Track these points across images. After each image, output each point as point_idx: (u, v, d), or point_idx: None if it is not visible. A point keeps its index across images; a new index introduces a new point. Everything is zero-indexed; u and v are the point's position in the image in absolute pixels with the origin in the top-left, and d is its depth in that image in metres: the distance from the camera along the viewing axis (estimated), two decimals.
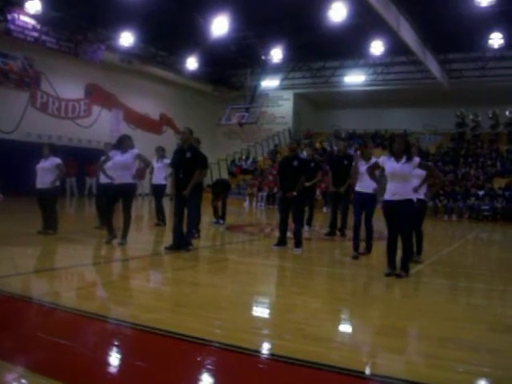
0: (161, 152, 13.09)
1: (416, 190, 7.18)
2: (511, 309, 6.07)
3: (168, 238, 9.34)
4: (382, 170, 7.32)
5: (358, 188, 8.98)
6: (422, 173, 7.51)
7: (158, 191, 13.04)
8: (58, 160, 10.07)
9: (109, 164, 9.51)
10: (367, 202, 8.87)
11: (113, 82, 27.88)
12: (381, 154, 10.16)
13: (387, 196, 7.11)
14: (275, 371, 3.63)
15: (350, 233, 11.72)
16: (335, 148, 28.07)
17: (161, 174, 12.83)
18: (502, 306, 6.17)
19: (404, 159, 6.99)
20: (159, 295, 5.93)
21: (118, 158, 9.12)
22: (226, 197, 13.69)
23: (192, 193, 8.74)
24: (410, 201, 7.00)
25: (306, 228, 12.66)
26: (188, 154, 8.87)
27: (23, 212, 15.66)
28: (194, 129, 9.37)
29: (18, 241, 9.23)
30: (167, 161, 12.38)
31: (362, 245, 9.10)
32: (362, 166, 8.67)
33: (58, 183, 10.11)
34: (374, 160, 8.19)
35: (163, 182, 12.87)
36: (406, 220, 7.05)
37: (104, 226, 9.92)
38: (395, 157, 7.05)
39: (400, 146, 7.03)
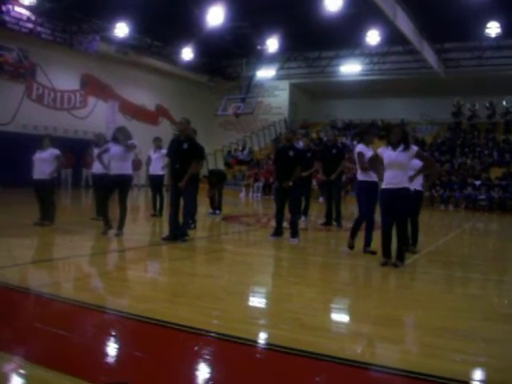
0: (158, 142, 13.07)
1: (411, 179, 7.17)
2: (507, 298, 6.09)
3: (164, 229, 9.33)
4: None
5: (363, 178, 8.25)
6: (419, 164, 7.50)
7: (155, 182, 13.02)
8: (57, 151, 10.07)
9: (106, 155, 9.54)
10: (371, 192, 8.21)
11: (108, 73, 27.78)
12: (377, 144, 9.99)
13: (384, 184, 7.13)
14: (272, 361, 3.64)
15: (346, 223, 11.78)
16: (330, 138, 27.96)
17: (158, 164, 12.84)
18: (498, 296, 6.19)
19: (401, 148, 6.98)
20: (156, 285, 5.92)
21: (114, 148, 9.14)
22: (222, 187, 13.70)
23: (188, 184, 8.72)
24: (406, 189, 7.00)
25: (302, 218, 12.67)
26: (185, 145, 8.83)
27: (20, 203, 15.65)
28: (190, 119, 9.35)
29: (15, 232, 9.23)
30: (164, 151, 12.38)
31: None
32: (368, 152, 8.15)
33: (56, 174, 10.12)
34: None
35: (161, 173, 12.86)
36: (402, 208, 7.05)
37: (100, 216, 9.92)
38: (392, 146, 7.05)
39: (397, 135, 7.02)
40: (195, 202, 9.88)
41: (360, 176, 8.31)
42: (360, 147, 8.43)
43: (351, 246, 8.30)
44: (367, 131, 9.10)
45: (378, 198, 7.76)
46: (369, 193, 8.16)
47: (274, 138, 31.99)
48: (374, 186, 8.16)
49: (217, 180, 13.36)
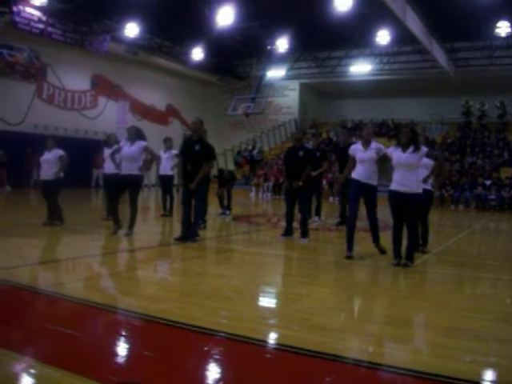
0: (168, 143, 13.08)
1: (425, 180, 7.14)
2: None
3: (174, 229, 9.34)
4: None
5: (354, 176, 7.75)
6: (428, 162, 7.46)
7: (165, 182, 13.05)
8: (60, 152, 10.14)
9: (117, 155, 9.59)
10: (368, 193, 7.82)
11: (118, 73, 27.88)
12: (386, 144, 9.91)
13: (393, 186, 7.07)
14: (281, 361, 3.64)
15: (358, 223, 11.72)
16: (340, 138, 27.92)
17: (168, 164, 12.84)
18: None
19: (411, 149, 6.94)
20: (166, 285, 5.94)
21: (125, 149, 9.18)
22: (231, 187, 13.71)
23: (199, 185, 8.73)
24: (417, 194, 6.96)
25: (315, 218, 12.68)
26: (197, 147, 8.80)
27: (29, 203, 15.74)
28: None
29: (25, 232, 9.28)
30: (174, 151, 12.45)
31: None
32: (360, 153, 7.71)
33: (61, 174, 10.17)
34: (374, 145, 7.65)
35: (170, 173, 12.88)
36: (413, 212, 7.03)
37: (110, 216, 9.96)
38: (402, 147, 7.02)
39: (406, 135, 6.98)
40: (206, 203, 9.89)
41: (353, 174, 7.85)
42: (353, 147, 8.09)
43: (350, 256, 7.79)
44: (360, 129, 8.70)
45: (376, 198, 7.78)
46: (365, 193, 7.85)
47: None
48: (371, 187, 7.80)
49: (226, 180, 13.38)
